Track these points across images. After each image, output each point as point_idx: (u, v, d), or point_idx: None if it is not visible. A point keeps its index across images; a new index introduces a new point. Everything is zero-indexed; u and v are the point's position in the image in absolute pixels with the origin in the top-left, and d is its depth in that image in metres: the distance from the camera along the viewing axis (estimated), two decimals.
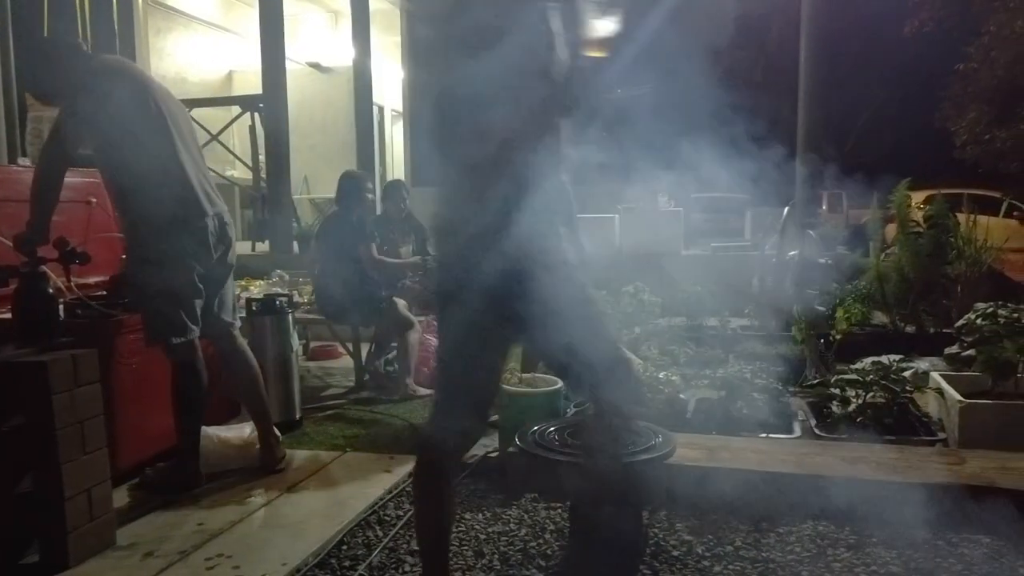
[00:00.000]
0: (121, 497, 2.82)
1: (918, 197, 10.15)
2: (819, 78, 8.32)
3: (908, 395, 3.29)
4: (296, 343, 3.95)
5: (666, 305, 5.84)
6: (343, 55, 9.69)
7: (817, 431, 3.16)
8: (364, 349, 4.94)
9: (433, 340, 4.73)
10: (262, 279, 5.95)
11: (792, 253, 4.59)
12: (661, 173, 9.25)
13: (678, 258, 6.89)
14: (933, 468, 2.63)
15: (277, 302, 3.86)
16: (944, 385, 3.28)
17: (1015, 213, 10.22)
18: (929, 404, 3.47)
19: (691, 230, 9.30)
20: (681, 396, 3.56)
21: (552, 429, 2.33)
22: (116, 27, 7.22)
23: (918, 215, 5.84)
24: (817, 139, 9.02)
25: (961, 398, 3.02)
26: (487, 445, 3.22)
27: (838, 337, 4.98)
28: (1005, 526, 2.34)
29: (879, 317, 5.69)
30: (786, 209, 4.69)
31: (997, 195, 9.59)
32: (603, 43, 1.81)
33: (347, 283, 4.44)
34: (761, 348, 5.09)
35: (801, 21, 8.10)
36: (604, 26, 1.76)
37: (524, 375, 3.62)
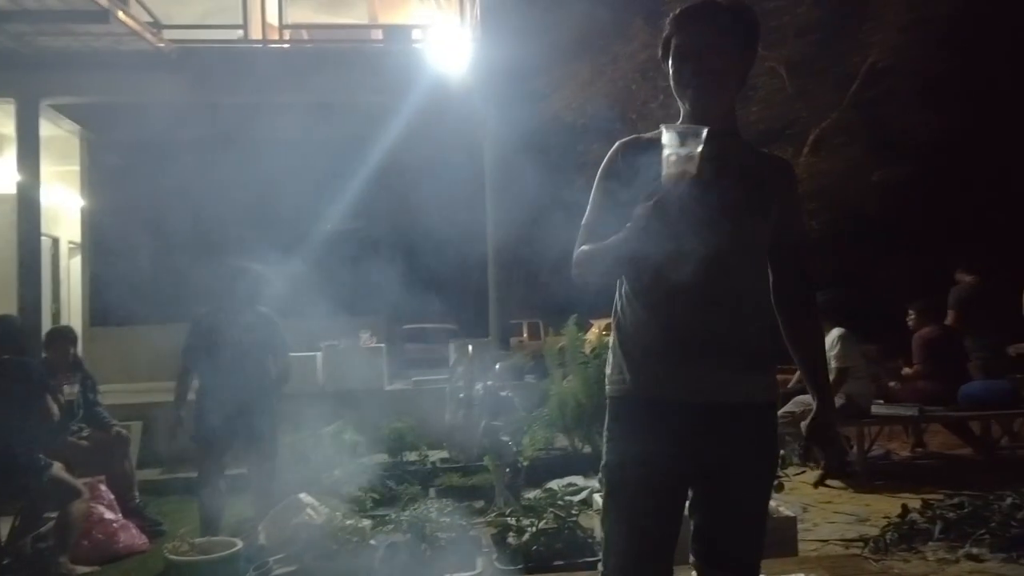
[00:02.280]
0: None
1: (602, 324, 11.52)
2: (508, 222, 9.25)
3: (574, 518, 3.59)
4: None
5: (368, 443, 5.84)
6: (6, 182, 8.69)
7: (497, 564, 3.30)
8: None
9: (102, 509, 4.18)
10: None
11: (478, 386, 4.90)
12: (367, 306, 9.46)
13: (381, 393, 6.96)
14: None
15: None
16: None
17: None
18: (595, 524, 3.81)
19: (401, 361, 9.51)
20: (372, 543, 3.53)
21: None
22: None
23: (591, 344, 6.60)
24: (509, 279, 9.93)
25: None
26: None
27: (525, 463, 5.34)
28: None
29: (562, 440, 6.22)
30: (470, 346, 5.03)
31: None
32: None
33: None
34: (458, 480, 5.27)
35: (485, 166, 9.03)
36: None
37: (199, 540, 3.34)
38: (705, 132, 1.55)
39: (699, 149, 1.55)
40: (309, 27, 10.18)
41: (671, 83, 1.79)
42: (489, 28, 8.97)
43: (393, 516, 3.55)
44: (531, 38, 10.27)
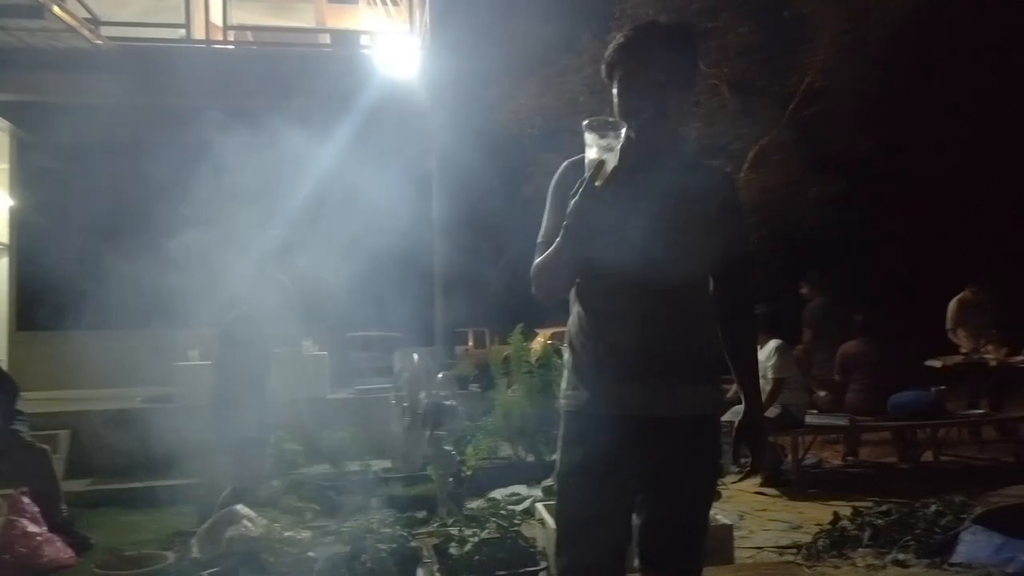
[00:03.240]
0: None
1: (548, 333, 11.60)
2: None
3: (517, 527, 3.60)
4: None
5: (310, 452, 5.74)
6: None
7: (439, 575, 3.28)
8: None
9: (25, 522, 4.00)
10: None
11: (422, 395, 4.86)
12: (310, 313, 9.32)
13: (324, 402, 6.85)
14: None
15: None
16: (545, 515, 3.65)
17: None
18: (537, 534, 3.83)
19: (345, 370, 9.38)
20: (310, 554, 3.47)
21: None
22: None
23: (536, 353, 6.64)
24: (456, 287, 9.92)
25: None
26: None
27: (469, 473, 5.33)
28: None
29: (506, 449, 6.23)
30: (415, 355, 5.00)
31: None
32: None
33: None
34: (401, 491, 5.22)
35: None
36: None
37: (130, 553, 3.24)
38: (624, 128, 1.61)
39: (619, 143, 1.60)
40: (255, 29, 10.02)
41: (616, 108, 1.83)
42: (438, 37, 8.98)
43: (333, 527, 3.49)
44: (481, 48, 10.31)
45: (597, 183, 1.60)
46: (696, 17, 9.68)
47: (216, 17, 8.79)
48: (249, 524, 3.45)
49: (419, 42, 9.08)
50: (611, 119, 1.64)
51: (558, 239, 1.68)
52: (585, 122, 1.64)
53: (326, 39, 9.71)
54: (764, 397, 5.49)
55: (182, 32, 8.50)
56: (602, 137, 1.61)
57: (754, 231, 9.69)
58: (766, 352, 5.61)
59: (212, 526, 3.61)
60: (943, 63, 11.87)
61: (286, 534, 3.42)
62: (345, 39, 9.49)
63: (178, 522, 4.72)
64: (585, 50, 10.13)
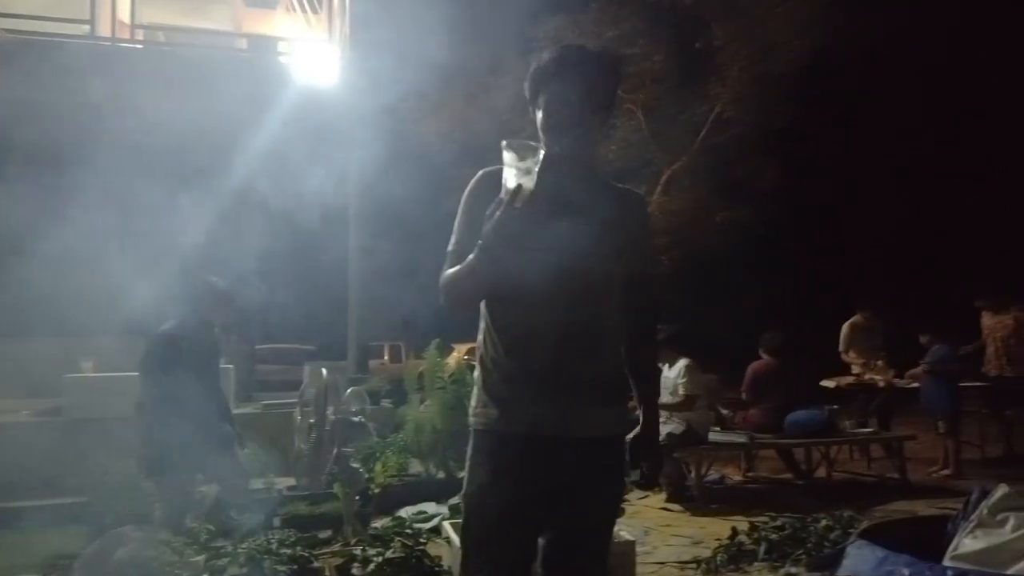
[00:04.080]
0: None
1: (464, 348, 11.54)
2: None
3: (423, 546, 3.56)
4: None
5: None
6: None
7: None
8: None
9: None
10: None
11: (330, 411, 4.76)
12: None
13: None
14: None
15: None
16: (451, 533, 3.63)
17: None
18: (443, 552, 3.80)
19: (252, 383, 9.10)
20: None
21: None
22: None
23: (450, 368, 6.60)
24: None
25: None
26: None
27: (377, 490, 5.24)
28: None
29: (417, 466, 6.16)
30: (323, 369, 4.90)
31: None
32: None
33: None
34: (306, 509, 5.08)
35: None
36: None
37: None
38: (543, 151, 1.62)
39: (536, 167, 1.61)
40: (166, 29, 9.67)
41: (538, 128, 1.86)
42: (358, 47, 8.90)
43: (230, 549, 3.37)
44: (403, 62, 10.27)
45: (516, 205, 1.61)
46: (614, 43, 9.96)
47: (124, 14, 8.45)
48: (139, 546, 3.29)
49: (338, 51, 8.97)
50: (531, 143, 1.65)
51: (472, 256, 1.69)
52: (504, 143, 1.65)
53: (242, 44, 9.47)
54: (673, 412, 5.68)
55: (87, 28, 8.12)
56: (521, 159, 1.62)
57: (663, 253, 10.01)
58: (676, 370, 5.80)
59: (99, 549, 3.42)
60: (844, 98, 12.62)
61: (179, 556, 3.28)
62: (262, 44, 9.28)
63: (64, 544, 4.44)
64: (509, 69, 10.26)
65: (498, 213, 1.62)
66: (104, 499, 4.58)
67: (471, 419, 1.89)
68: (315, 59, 8.63)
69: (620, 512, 4.16)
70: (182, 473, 4.00)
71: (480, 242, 1.66)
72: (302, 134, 8.46)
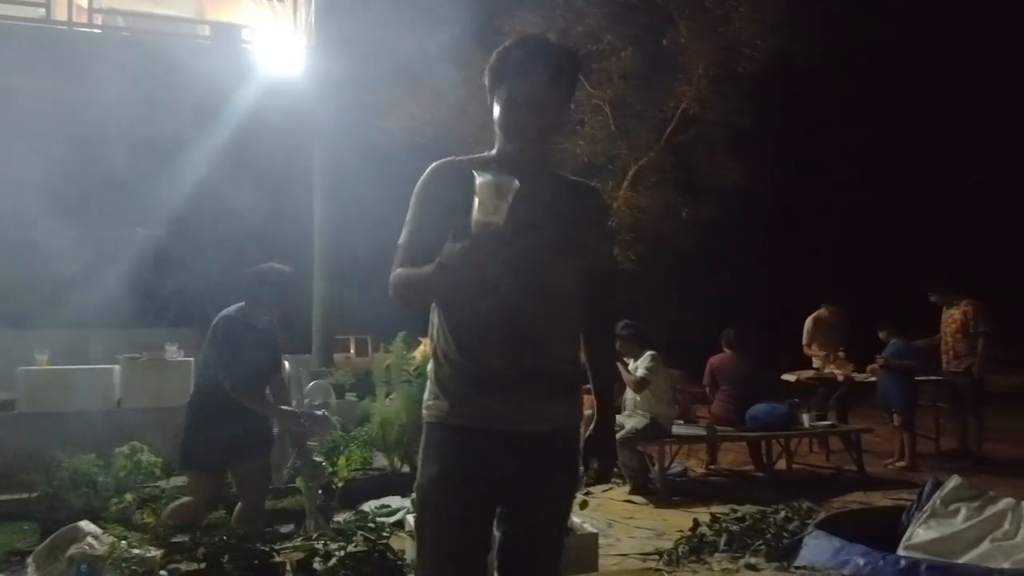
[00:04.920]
0: None
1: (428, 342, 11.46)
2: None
3: (385, 540, 3.53)
4: None
5: (169, 464, 5.43)
6: None
7: None
8: None
9: None
10: None
11: (292, 404, 4.70)
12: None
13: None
14: None
15: None
16: (414, 527, 3.60)
17: None
18: (407, 546, 3.78)
19: None
20: (163, 573, 3.27)
21: None
22: None
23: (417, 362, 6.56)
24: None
25: None
26: None
27: (340, 484, 5.20)
28: None
29: (382, 460, 6.12)
30: (285, 362, 4.83)
31: None
32: None
33: None
34: (268, 504, 5.01)
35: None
36: None
37: None
38: (517, 184, 1.60)
39: (508, 205, 1.59)
40: (125, 14, 9.43)
41: (495, 121, 1.84)
42: (323, 37, 8.78)
43: (188, 544, 3.30)
44: (369, 53, 10.18)
45: (485, 240, 1.60)
46: (582, 39, 9.98)
47: None
48: (94, 542, 3.22)
49: (304, 41, 8.84)
50: (506, 179, 1.60)
51: (433, 272, 1.67)
52: (478, 172, 1.61)
53: (205, 31, 9.28)
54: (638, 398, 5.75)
55: (42, 12, 7.88)
56: (496, 194, 1.59)
57: (630, 248, 10.07)
58: (641, 360, 5.87)
59: (52, 545, 3.34)
60: (804, 100, 12.83)
61: (135, 551, 3.21)
62: (226, 32, 9.10)
63: (16, 540, 4.34)
64: (474, 63, 10.22)
65: (467, 248, 1.61)
66: (57, 494, 4.47)
67: (424, 411, 1.88)
68: (279, 48, 8.49)
69: (582, 504, 4.20)
70: (220, 466, 3.80)
71: (443, 263, 1.64)
72: (266, 124, 8.34)
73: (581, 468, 1.97)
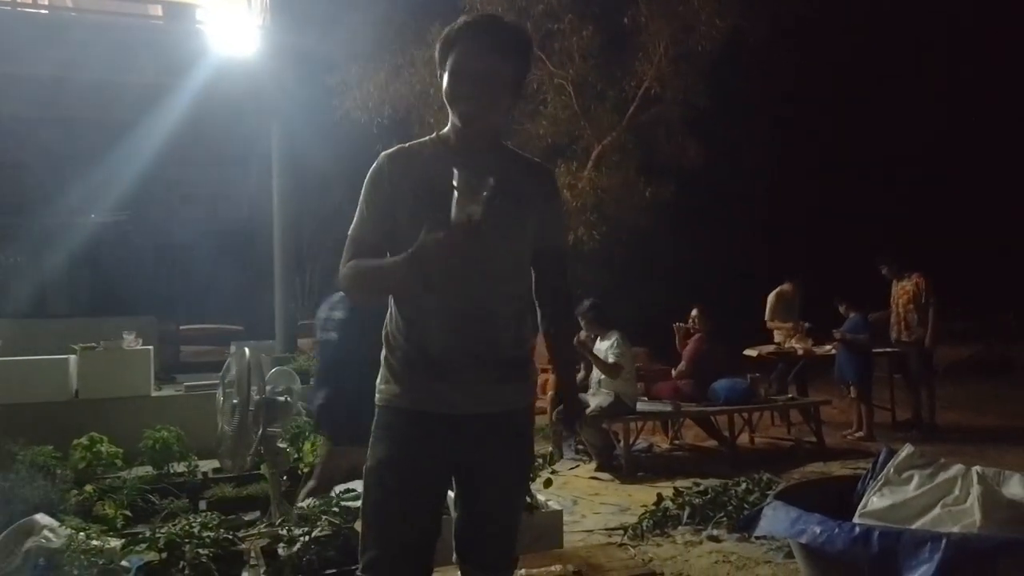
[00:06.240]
0: None
1: None
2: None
3: (350, 525, 3.52)
4: None
5: (129, 455, 5.34)
6: None
7: None
8: None
9: None
10: None
11: (254, 391, 4.65)
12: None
13: (147, 400, 6.40)
14: None
15: None
16: None
17: None
18: None
19: (176, 365, 8.79)
20: (124, 563, 3.23)
21: None
22: None
23: None
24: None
25: None
26: None
27: (306, 470, 5.15)
28: None
29: None
30: (245, 349, 4.76)
31: None
32: None
33: None
34: (231, 492, 4.97)
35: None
36: None
37: None
38: (492, 182, 1.59)
39: (483, 198, 1.59)
40: None
41: (443, 92, 1.82)
42: (278, 17, 8.61)
43: (148, 534, 3.26)
44: (325, 32, 9.99)
45: (461, 235, 1.58)
46: (541, 18, 9.91)
47: None
48: (50, 535, 3.15)
49: (258, 21, 8.66)
50: (481, 178, 1.60)
51: (395, 265, 1.65)
52: (455, 170, 1.60)
53: (157, 11, 9.04)
54: (602, 384, 5.81)
55: None
56: (472, 189, 1.58)
57: (593, 228, 10.10)
58: (609, 341, 5.92)
59: (6, 539, 3.27)
60: (763, 80, 12.95)
61: (94, 543, 3.15)
62: (178, 12, 8.87)
63: None
64: (433, 42, 10.09)
65: (439, 244, 1.57)
66: (13, 487, 4.37)
67: (376, 395, 1.87)
68: (233, 28, 8.31)
69: (546, 482, 4.23)
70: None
71: (416, 254, 1.60)
72: (222, 107, 8.16)
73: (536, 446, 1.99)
